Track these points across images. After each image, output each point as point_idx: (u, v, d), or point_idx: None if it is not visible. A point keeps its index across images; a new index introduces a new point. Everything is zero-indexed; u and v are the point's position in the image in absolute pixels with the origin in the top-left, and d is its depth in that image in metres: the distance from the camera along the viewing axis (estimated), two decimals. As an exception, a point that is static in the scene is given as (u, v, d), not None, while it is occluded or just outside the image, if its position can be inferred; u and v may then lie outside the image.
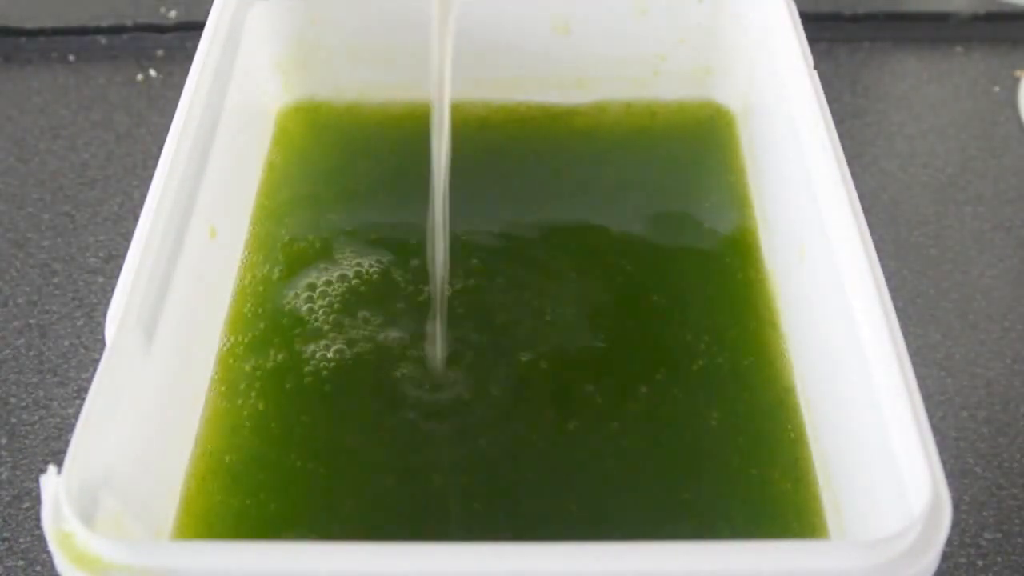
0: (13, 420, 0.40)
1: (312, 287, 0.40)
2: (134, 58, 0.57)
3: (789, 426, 0.35)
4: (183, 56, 0.56)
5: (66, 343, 0.43)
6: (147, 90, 0.55)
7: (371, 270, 0.40)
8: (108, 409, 0.29)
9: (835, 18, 0.59)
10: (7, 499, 0.38)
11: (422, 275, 0.40)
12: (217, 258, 0.38)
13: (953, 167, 0.52)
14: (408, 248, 0.41)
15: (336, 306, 0.39)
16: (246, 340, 0.38)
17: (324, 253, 0.41)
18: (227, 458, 0.34)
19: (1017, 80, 0.57)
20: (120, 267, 0.32)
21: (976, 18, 0.59)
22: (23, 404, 0.41)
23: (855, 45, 0.59)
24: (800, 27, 0.41)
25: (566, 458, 0.35)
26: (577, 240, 0.42)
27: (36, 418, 0.40)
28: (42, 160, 0.51)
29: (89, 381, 0.29)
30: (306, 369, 0.37)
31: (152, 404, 0.31)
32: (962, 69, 0.57)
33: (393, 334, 0.38)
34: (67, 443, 0.27)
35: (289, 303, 0.39)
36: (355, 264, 0.40)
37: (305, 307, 0.39)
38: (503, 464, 0.34)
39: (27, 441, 0.40)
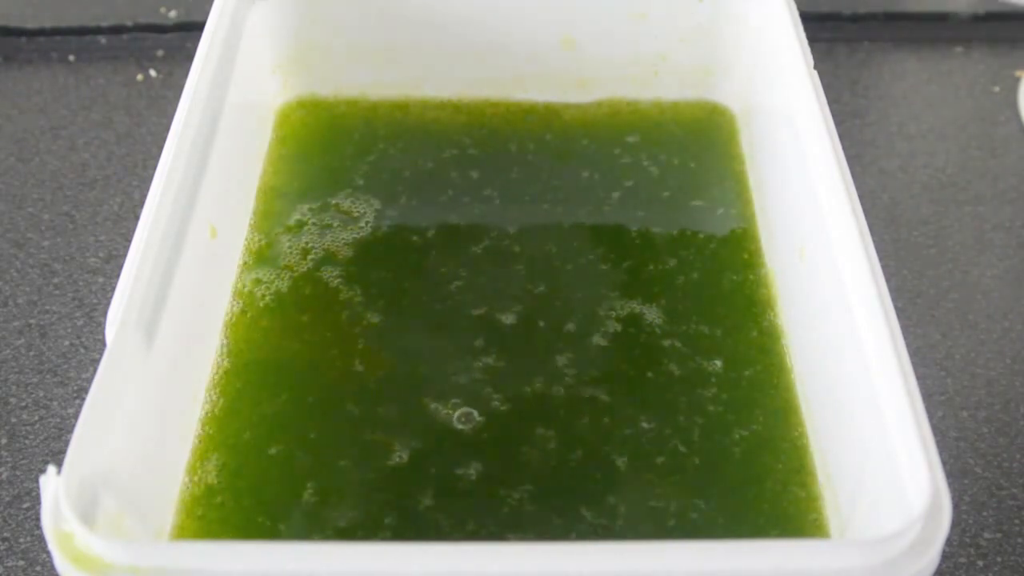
0: (13, 420, 0.40)
1: (314, 286, 0.40)
2: (134, 58, 0.57)
3: (789, 425, 0.35)
4: (183, 56, 0.56)
5: (66, 343, 0.43)
6: (147, 90, 0.55)
7: (374, 268, 0.40)
8: (108, 409, 0.29)
9: (835, 18, 0.59)
10: (7, 499, 0.38)
11: (424, 274, 0.40)
12: (217, 258, 0.38)
13: (953, 167, 0.52)
14: (409, 245, 0.41)
15: (338, 305, 0.39)
16: (247, 339, 0.38)
17: (325, 251, 0.41)
18: (227, 458, 0.34)
19: (1017, 80, 0.57)
20: (120, 267, 0.32)
21: (976, 18, 0.59)
22: (23, 404, 0.41)
23: (855, 45, 0.59)
24: (800, 27, 0.41)
25: (568, 458, 0.35)
26: (576, 239, 0.42)
27: (36, 418, 0.40)
28: (42, 160, 0.51)
29: (89, 381, 0.29)
30: (307, 370, 0.37)
31: (152, 404, 0.31)
32: (962, 69, 0.57)
33: (397, 332, 0.38)
34: (67, 443, 0.27)
35: (290, 302, 0.39)
36: (357, 262, 0.40)
37: (306, 305, 0.39)
38: (507, 461, 0.35)
39: (27, 441, 0.40)
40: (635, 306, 0.39)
